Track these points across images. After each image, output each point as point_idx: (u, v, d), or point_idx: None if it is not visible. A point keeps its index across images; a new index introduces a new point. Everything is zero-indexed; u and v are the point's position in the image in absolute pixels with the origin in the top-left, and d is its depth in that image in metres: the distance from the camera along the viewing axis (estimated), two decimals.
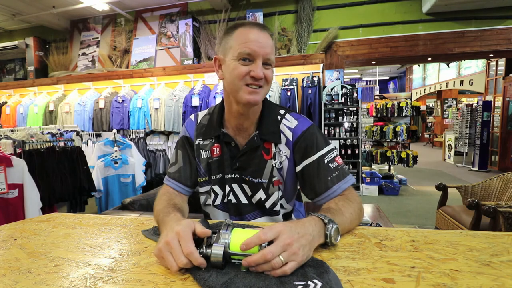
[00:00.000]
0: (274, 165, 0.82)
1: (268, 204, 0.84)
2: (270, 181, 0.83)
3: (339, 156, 0.80)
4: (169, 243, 0.49)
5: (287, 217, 0.90)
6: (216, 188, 0.86)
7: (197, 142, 0.88)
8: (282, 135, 0.83)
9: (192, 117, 0.93)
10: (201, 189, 0.90)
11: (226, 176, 0.84)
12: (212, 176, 0.86)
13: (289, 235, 0.48)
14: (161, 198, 0.80)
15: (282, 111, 0.86)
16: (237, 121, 0.82)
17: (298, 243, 0.48)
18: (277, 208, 0.84)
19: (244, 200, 0.85)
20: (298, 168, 0.81)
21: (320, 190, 0.76)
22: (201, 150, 0.87)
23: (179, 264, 0.47)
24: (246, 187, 0.84)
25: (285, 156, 0.82)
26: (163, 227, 0.61)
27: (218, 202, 0.87)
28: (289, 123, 0.83)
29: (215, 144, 0.85)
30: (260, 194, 0.83)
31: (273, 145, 0.82)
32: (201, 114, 0.92)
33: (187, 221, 0.54)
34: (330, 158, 0.78)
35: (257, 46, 0.71)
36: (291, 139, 0.82)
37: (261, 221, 0.86)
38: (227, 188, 0.85)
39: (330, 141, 0.84)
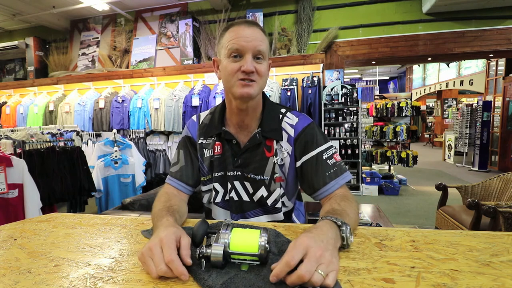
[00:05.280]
0: (275, 161, 0.84)
1: (269, 202, 0.85)
2: (272, 178, 0.84)
3: (337, 153, 0.82)
4: (151, 249, 0.49)
5: (288, 215, 0.91)
6: (217, 185, 0.87)
7: (199, 141, 0.89)
8: (284, 132, 0.84)
9: (194, 117, 0.95)
10: (204, 188, 0.91)
11: (228, 174, 0.86)
12: (213, 174, 0.87)
13: (316, 247, 0.46)
14: (159, 199, 0.80)
15: (283, 110, 0.88)
16: (238, 118, 0.83)
17: (328, 251, 0.46)
18: (279, 205, 0.85)
19: (245, 197, 0.86)
20: (298, 164, 0.83)
21: (317, 186, 0.78)
22: (204, 149, 0.88)
23: (159, 272, 0.46)
24: (247, 184, 0.85)
25: (287, 152, 0.84)
26: (154, 231, 0.61)
27: (218, 199, 0.88)
28: (290, 121, 0.85)
29: (217, 142, 0.86)
30: (262, 191, 0.84)
31: (274, 142, 0.84)
32: (203, 114, 0.94)
33: (173, 229, 0.54)
34: (328, 155, 0.80)
35: (244, 41, 0.74)
36: (292, 135, 0.84)
37: (263, 219, 0.87)
38: (229, 186, 0.86)
39: (331, 141, 0.85)
